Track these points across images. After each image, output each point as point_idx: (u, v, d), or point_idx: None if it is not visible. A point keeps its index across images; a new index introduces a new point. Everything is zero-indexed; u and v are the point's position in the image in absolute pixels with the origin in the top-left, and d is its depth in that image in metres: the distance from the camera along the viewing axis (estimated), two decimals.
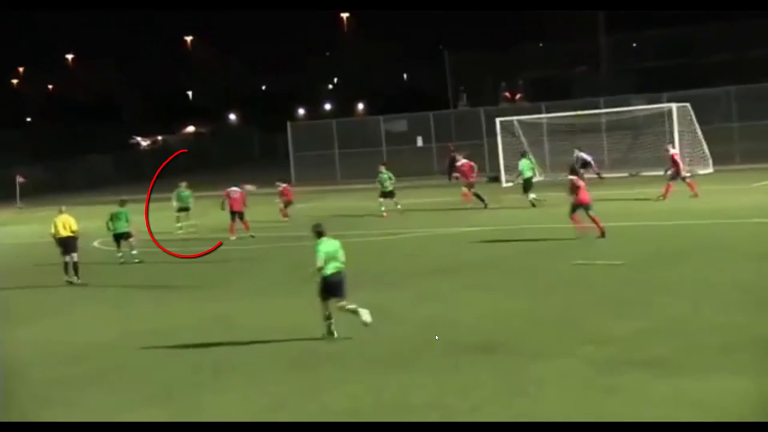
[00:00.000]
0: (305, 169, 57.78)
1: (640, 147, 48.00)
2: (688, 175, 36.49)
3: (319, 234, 16.95)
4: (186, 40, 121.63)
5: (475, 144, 52.57)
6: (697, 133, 45.51)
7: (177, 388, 14.86)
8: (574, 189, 26.42)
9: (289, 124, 64.04)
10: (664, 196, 34.51)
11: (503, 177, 46.53)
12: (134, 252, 29.00)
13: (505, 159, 47.01)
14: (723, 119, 51.49)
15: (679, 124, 44.62)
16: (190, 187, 37.68)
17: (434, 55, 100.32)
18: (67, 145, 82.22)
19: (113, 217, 29.04)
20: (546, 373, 13.97)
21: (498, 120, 49.12)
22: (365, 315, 16.68)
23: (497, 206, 36.54)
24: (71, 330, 20.10)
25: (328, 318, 16.90)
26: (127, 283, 25.58)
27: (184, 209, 36.80)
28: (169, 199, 38.28)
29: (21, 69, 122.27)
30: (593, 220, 26.32)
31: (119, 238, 28.99)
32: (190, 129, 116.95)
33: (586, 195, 26.51)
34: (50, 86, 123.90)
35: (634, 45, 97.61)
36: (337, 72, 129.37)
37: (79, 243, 26.58)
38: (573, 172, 27.43)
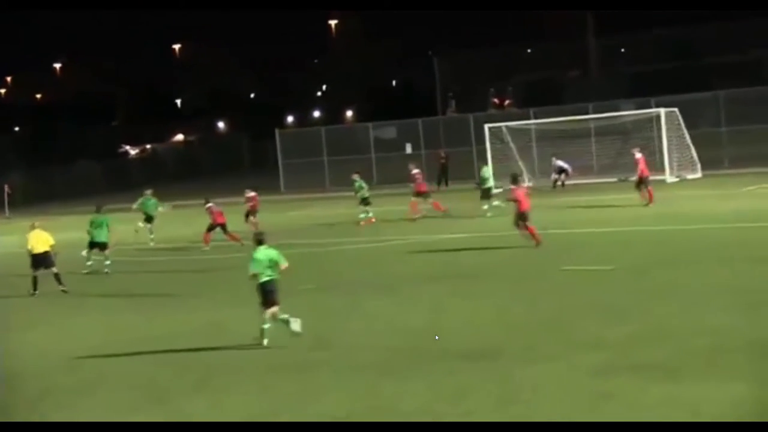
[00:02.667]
0: (294, 176, 57.70)
1: (629, 152, 47.97)
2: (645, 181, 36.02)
3: (259, 242, 17.28)
4: (174, 48, 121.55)
5: (464, 150, 52.53)
6: (685, 137, 45.61)
7: (169, 394, 14.76)
8: (515, 198, 26.60)
9: (277, 131, 63.99)
10: (649, 201, 34.60)
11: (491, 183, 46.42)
12: (107, 262, 28.80)
13: (494, 165, 46.94)
14: (711, 124, 51.59)
15: (668, 128, 44.71)
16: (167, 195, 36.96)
17: (424, 61, 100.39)
18: (55, 154, 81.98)
19: (93, 224, 28.94)
20: (539, 379, 13.93)
21: (487, 126, 49.12)
22: (295, 325, 16.92)
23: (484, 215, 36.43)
24: (60, 339, 19.97)
25: (264, 323, 17.02)
26: (116, 292, 25.46)
27: (148, 219, 35.42)
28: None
29: (9, 79, 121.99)
30: (530, 231, 26.45)
31: (96, 246, 28.87)
32: (179, 137, 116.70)
33: (527, 203, 26.70)
34: (38, 95, 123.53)
35: (622, 50, 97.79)
36: (326, 79, 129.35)
37: (67, 253, 26.38)
38: (514, 181, 27.95)
